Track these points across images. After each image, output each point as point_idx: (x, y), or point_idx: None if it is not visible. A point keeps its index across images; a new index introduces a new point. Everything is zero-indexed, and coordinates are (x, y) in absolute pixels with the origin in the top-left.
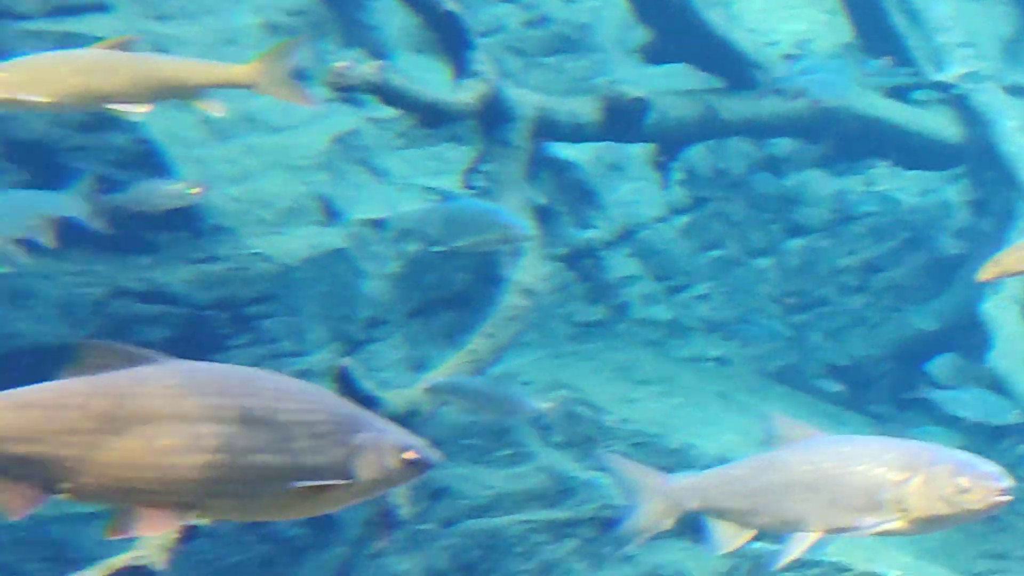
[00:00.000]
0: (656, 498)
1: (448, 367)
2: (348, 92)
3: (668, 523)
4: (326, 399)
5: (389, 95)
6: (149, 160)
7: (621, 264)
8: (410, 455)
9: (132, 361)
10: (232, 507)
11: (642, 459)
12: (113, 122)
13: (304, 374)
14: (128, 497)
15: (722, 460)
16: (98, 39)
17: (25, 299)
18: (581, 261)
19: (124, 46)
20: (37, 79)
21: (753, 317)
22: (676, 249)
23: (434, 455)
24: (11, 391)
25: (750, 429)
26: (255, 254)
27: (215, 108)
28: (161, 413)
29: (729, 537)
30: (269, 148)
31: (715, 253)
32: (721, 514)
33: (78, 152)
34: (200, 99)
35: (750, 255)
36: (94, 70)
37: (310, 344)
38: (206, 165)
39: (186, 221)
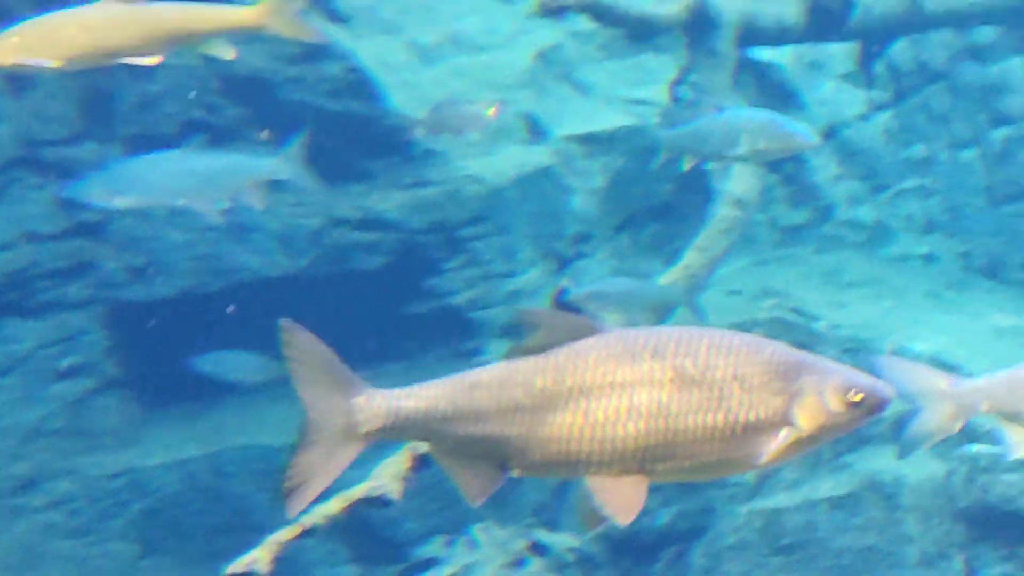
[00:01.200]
0: (944, 401)
1: (664, 281)
2: (559, 13)
3: (956, 427)
4: (764, 349)
5: (599, 12)
6: (362, 88)
7: (824, 165)
8: (855, 395)
9: (571, 329)
10: (675, 469)
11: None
12: (325, 51)
13: (516, 294)
14: (574, 470)
15: (939, 363)
16: None
17: (247, 233)
18: (783, 164)
19: None
20: (47, 41)
21: (960, 211)
22: (879, 147)
23: (886, 391)
24: (462, 374)
25: (963, 328)
26: (466, 176)
27: (226, 52)
28: (598, 384)
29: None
30: (474, 68)
31: (918, 148)
32: (1013, 417)
33: (293, 83)
34: (209, 46)
35: (954, 148)
36: (102, 26)
37: (521, 263)
38: (415, 89)
39: (397, 147)
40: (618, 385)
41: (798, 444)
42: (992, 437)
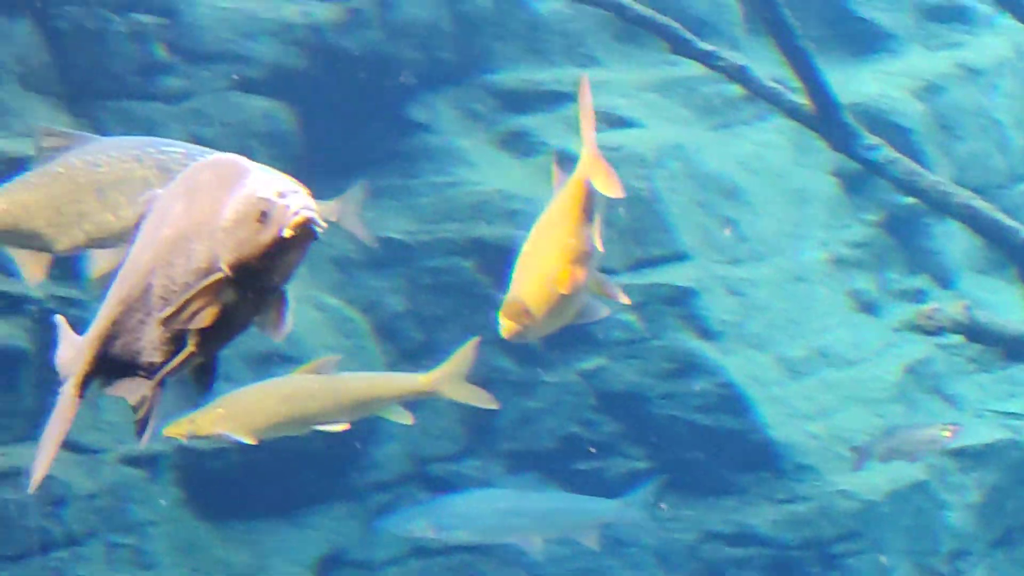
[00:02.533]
0: None
1: None
2: (935, 333)
3: None
4: None
5: (975, 333)
6: (733, 403)
7: None
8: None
9: None
10: None
11: None
12: (696, 368)
13: None
14: None
15: None
16: (681, 288)
17: (623, 547)
18: None
19: (321, 368)
20: (249, 413)
21: None
22: None
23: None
24: None
25: None
26: (838, 492)
27: (404, 418)
28: None
29: None
30: (844, 382)
31: None
32: None
33: (666, 399)
34: (390, 411)
35: None
36: (298, 397)
37: None
38: (784, 403)
39: (767, 461)
40: None
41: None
42: None
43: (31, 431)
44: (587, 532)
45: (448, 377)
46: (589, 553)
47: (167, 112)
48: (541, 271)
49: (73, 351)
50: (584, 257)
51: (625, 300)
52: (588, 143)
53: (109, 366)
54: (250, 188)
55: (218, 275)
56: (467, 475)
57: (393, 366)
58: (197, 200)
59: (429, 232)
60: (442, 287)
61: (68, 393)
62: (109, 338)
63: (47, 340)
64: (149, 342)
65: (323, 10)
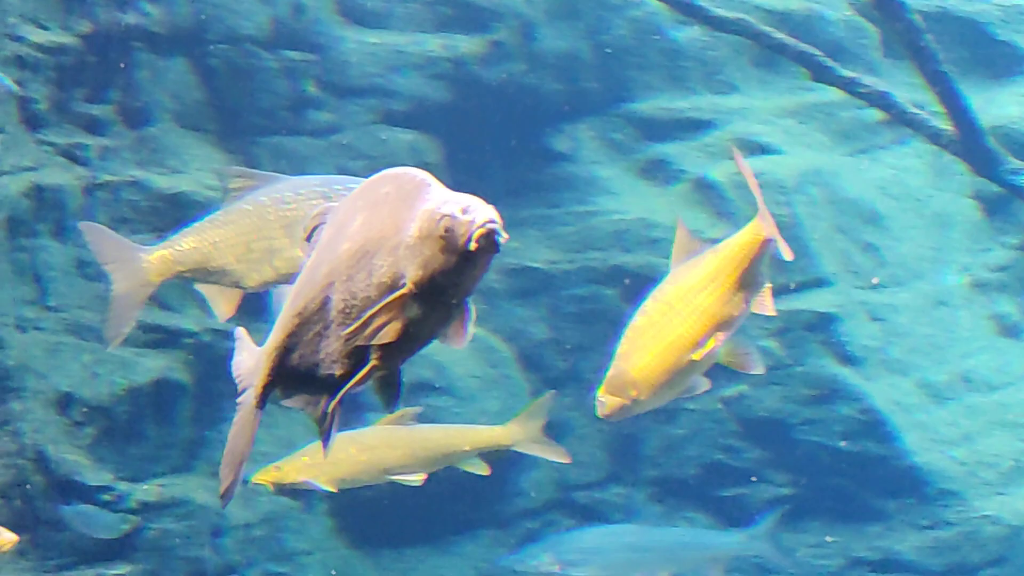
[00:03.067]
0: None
1: None
2: None
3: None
4: None
5: None
6: (876, 429)
7: None
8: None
9: None
10: None
11: None
12: (839, 394)
13: None
14: None
15: None
16: (822, 314)
17: (768, 575)
18: None
19: (401, 420)
20: (331, 462)
21: None
22: None
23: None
24: None
25: None
26: (983, 517)
27: (481, 469)
28: None
29: None
30: (988, 407)
31: None
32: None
33: (809, 425)
34: (467, 463)
35: None
36: (378, 447)
37: None
38: (928, 429)
39: (912, 487)
40: None
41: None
42: None
43: (188, 462)
44: (712, 566)
45: (524, 430)
46: None
47: (316, 146)
48: (670, 337)
49: (252, 362)
50: (731, 324)
51: (761, 370)
52: (762, 207)
53: (287, 377)
54: (433, 203)
55: (403, 291)
56: (611, 502)
57: (537, 394)
58: (378, 214)
59: (571, 261)
60: (585, 315)
61: (249, 404)
62: (286, 350)
63: (203, 372)
64: (328, 355)
65: (466, 43)
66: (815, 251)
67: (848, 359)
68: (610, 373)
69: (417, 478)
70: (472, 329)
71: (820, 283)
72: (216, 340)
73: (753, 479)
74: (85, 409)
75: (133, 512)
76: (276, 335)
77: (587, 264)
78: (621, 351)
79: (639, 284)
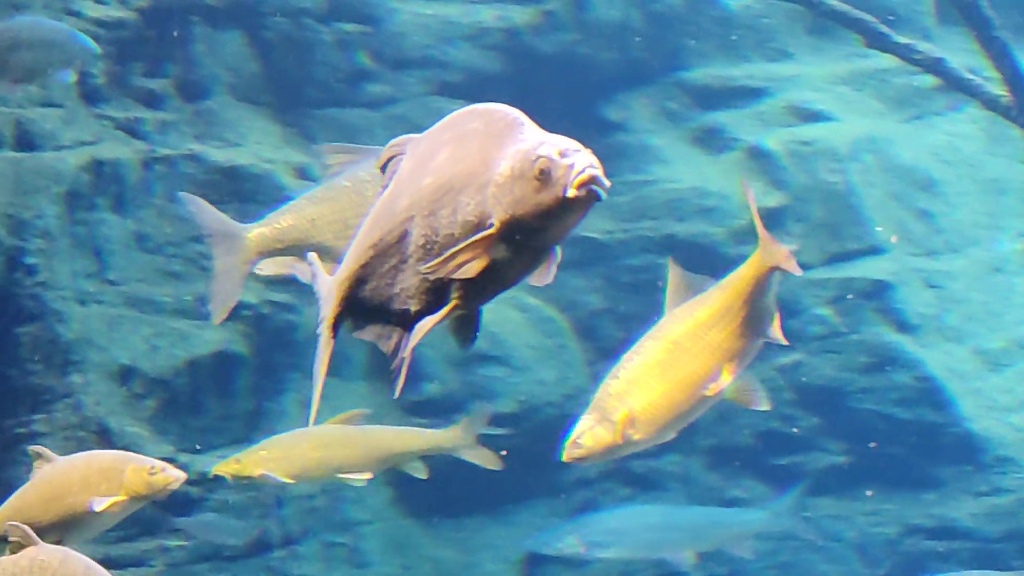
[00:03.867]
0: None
1: None
2: None
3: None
4: None
5: None
6: (932, 397)
7: None
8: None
9: None
10: None
11: None
12: (895, 361)
13: None
14: None
15: None
16: (878, 281)
17: (825, 542)
18: None
19: (351, 420)
20: (287, 456)
21: None
22: None
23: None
24: None
25: None
26: None
27: (420, 472)
28: None
29: None
30: None
31: None
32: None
33: (864, 393)
34: (411, 465)
35: None
36: (330, 445)
37: None
38: (984, 396)
39: (968, 454)
40: None
41: None
42: None
43: (249, 434)
44: (738, 543)
45: (462, 436)
46: (792, 548)
47: (371, 119)
48: (680, 375)
49: (324, 291)
50: (742, 357)
51: (766, 407)
52: (763, 236)
53: (359, 308)
54: (528, 143)
55: (490, 231)
56: (666, 471)
57: (592, 364)
58: (465, 149)
59: (626, 231)
60: (640, 285)
61: (324, 335)
62: (359, 281)
63: (263, 345)
64: (404, 289)
65: (519, 13)
66: (869, 218)
67: (904, 327)
68: (596, 414)
69: (363, 477)
70: (554, 271)
71: (875, 251)
72: (275, 312)
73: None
74: (145, 382)
75: (194, 484)
76: (349, 265)
77: (641, 233)
78: (614, 391)
79: (694, 253)
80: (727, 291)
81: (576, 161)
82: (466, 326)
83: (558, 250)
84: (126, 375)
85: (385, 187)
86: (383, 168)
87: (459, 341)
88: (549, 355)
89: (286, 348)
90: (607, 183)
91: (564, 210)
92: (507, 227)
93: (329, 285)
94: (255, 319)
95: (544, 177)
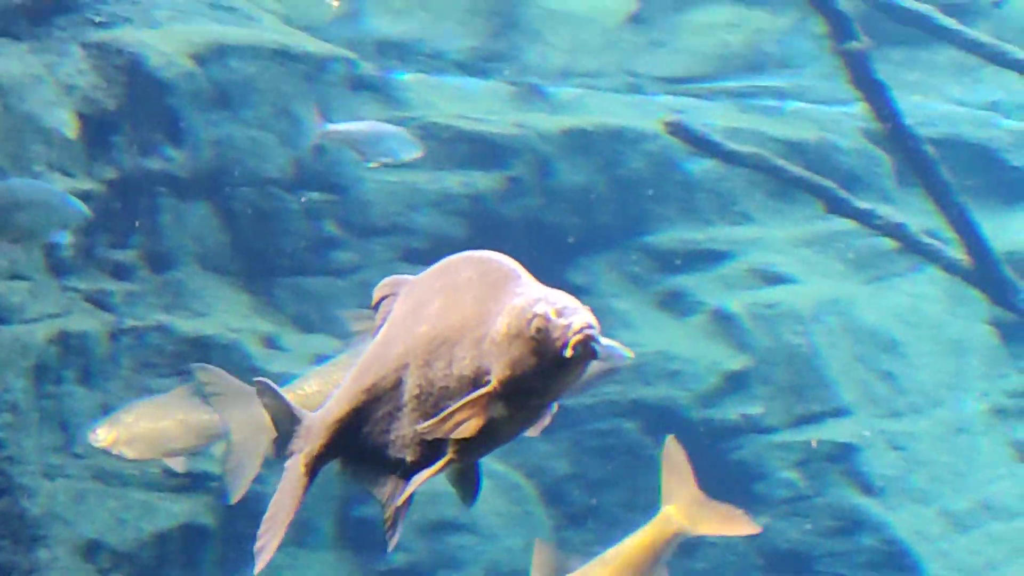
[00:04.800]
0: None
1: None
2: None
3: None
4: None
5: None
6: (899, 559)
7: None
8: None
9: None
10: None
11: None
12: (861, 524)
13: None
14: None
15: None
16: (843, 444)
17: None
18: None
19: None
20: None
21: None
22: None
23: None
24: None
25: None
26: None
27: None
28: None
29: None
30: (1009, 534)
31: None
32: None
33: (831, 557)
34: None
35: None
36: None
37: None
38: (951, 557)
39: None
40: None
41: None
42: None
43: None
44: None
45: None
46: None
47: (338, 286)
48: None
49: (301, 427)
50: None
51: None
52: (667, 488)
53: (350, 452)
54: (524, 300)
55: (487, 389)
56: None
57: (560, 530)
58: (459, 300)
59: (592, 395)
60: (607, 449)
61: (298, 470)
62: (351, 424)
63: (229, 516)
64: (400, 438)
65: (484, 179)
66: (834, 380)
67: (869, 489)
68: None
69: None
70: (548, 421)
71: (839, 412)
72: None
73: None
74: (112, 556)
75: None
76: (341, 406)
77: (607, 398)
78: None
79: (660, 417)
80: (623, 558)
81: (573, 321)
82: (466, 479)
83: (555, 404)
84: (92, 550)
85: (378, 329)
86: (375, 307)
87: (461, 495)
88: (516, 522)
89: (253, 519)
90: (603, 343)
91: (562, 370)
92: (505, 386)
93: (312, 422)
94: (220, 490)
95: (541, 336)
